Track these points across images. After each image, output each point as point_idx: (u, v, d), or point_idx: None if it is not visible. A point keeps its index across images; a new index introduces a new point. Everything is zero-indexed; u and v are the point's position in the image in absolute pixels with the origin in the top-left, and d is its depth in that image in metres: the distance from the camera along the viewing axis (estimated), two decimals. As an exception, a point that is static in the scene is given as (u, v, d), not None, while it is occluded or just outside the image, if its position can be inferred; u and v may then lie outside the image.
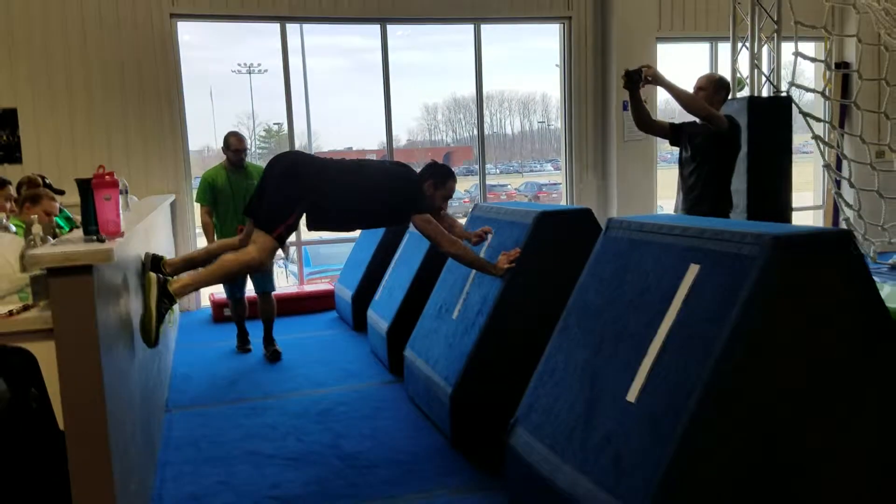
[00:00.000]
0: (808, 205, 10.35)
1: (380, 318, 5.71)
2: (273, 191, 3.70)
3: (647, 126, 4.70)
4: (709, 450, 2.33)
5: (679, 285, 2.69)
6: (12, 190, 3.57)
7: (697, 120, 4.52)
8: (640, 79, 4.42)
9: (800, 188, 8.37)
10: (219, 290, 7.96)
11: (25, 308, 2.38)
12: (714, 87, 4.59)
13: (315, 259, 13.14)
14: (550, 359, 3.27)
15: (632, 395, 2.63)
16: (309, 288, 8.66)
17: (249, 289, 6.09)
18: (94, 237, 2.59)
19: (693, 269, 2.66)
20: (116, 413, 2.50)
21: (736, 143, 4.56)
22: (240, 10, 7.94)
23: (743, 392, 2.35)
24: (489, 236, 4.39)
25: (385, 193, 3.87)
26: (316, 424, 4.36)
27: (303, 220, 3.83)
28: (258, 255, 3.61)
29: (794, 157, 6.62)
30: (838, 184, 7.84)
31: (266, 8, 7.98)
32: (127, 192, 4.27)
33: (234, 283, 5.84)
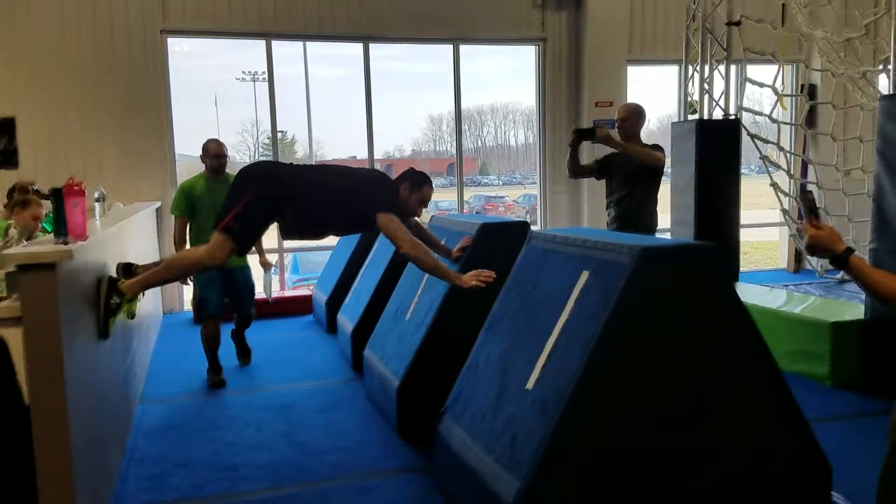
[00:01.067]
0: (774, 221, 10.71)
1: (347, 320, 6.09)
2: (230, 191, 3.85)
3: (578, 174, 5.33)
4: (582, 426, 2.71)
5: (573, 289, 3.07)
6: (1, 195, 3.96)
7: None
8: (592, 136, 4.90)
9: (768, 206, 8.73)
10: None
11: (0, 300, 2.76)
12: (635, 116, 5.09)
13: (305, 266, 13.52)
14: (476, 354, 3.65)
15: (530, 384, 3.01)
16: (290, 293, 9.04)
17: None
18: (62, 239, 2.97)
19: (584, 275, 3.05)
20: (76, 391, 2.86)
21: (663, 167, 5.05)
22: (227, 27, 8.37)
23: (611, 379, 2.73)
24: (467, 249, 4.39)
25: (352, 196, 3.89)
26: (276, 416, 4.73)
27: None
28: (207, 248, 3.69)
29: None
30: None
31: (252, 25, 8.41)
32: (104, 200, 4.65)
33: (214, 300, 5.43)
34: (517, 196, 34.61)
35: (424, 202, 4.09)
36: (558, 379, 2.83)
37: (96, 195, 4.54)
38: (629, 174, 5.02)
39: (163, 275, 3.71)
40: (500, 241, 4.43)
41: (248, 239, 3.84)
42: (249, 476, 3.81)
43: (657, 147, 5.05)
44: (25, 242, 3.07)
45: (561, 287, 3.18)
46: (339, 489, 3.62)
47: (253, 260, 5.73)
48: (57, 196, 3.07)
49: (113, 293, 3.38)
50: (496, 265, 4.22)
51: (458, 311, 4.31)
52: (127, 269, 3.73)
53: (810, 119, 9.30)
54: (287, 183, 3.82)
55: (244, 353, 6.10)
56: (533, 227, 4.41)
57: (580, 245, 3.22)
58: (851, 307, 5.49)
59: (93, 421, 3.23)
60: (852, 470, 3.36)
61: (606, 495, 2.74)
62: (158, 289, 8.01)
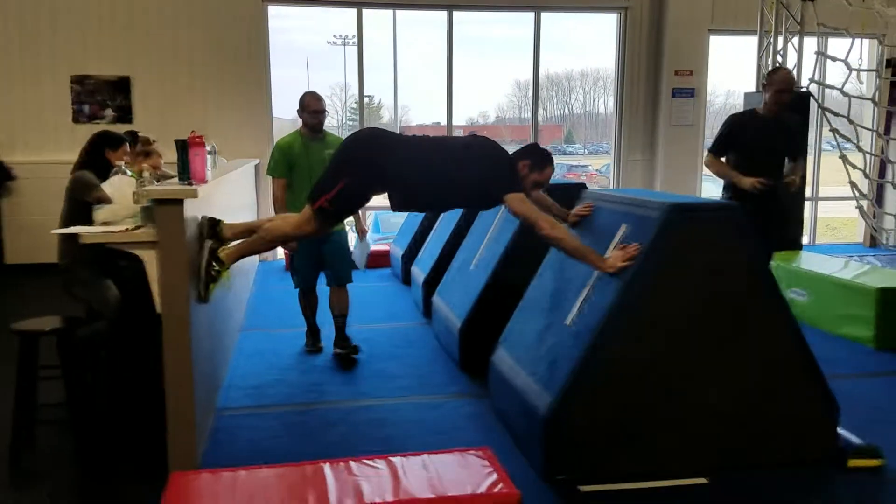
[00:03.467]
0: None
1: (420, 271, 6.70)
2: (333, 162, 3.68)
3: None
4: (608, 353, 3.19)
5: (613, 239, 3.53)
6: (127, 147, 4.63)
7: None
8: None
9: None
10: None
11: (137, 227, 3.42)
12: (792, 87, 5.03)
13: (385, 226, 14.23)
14: (527, 296, 4.16)
15: (569, 320, 3.50)
16: (372, 248, 9.68)
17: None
18: (186, 181, 3.60)
19: (623, 228, 3.50)
20: (195, 308, 3.51)
21: None
22: (323, -4, 8.99)
23: (636, 316, 3.20)
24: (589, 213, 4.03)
25: (471, 170, 3.55)
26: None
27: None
28: (298, 222, 3.62)
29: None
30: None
31: (346, -5, 8.99)
32: (216, 153, 5.30)
33: (305, 274, 5.21)
34: (601, 165, 34.42)
35: (542, 184, 3.73)
36: (592, 315, 3.32)
37: (208, 148, 5.19)
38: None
39: (257, 245, 3.70)
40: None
41: (342, 216, 3.79)
42: (334, 391, 4.46)
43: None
44: (156, 183, 3.72)
45: (603, 237, 3.64)
46: (409, 405, 4.21)
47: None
48: (182, 146, 3.70)
49: (214, 261, 3.51)
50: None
51: (516, 263, 4.78)
52: (213, 225, 3.65)
53: (894, 95, 9.26)
54: (392, 166, 3.55)
55: (347, 356, 5.09)
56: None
57: (620, 202, 3.66)
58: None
59: (207, 335, 3.89)
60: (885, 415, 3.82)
61: (624, 411, 3.22)
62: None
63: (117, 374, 4.26)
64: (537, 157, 3.67)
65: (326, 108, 5.13)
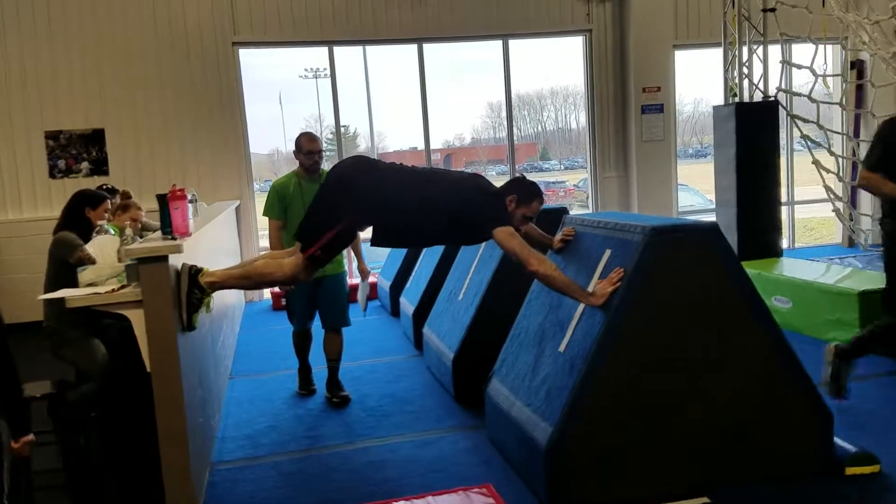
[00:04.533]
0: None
1: (408, 303, 6.69)
2: (318, 200, 3.59)
3: None
4: (603, 379, 3.21)
5: (598, 264, 3.56)
6: (108, 204, 4.62)
7: None
8: None
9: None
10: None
11: (122, 287, 3.40)
12: None
13: (370, 257, 14.24)
14: (517, 326, 4.17)
15: (562, 347, 3.52)
16: (356, 281, 9.66)
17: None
18: (170, 236, 3.60)
19: (607, 253, 3.53)
20: (186, 362, 3.50)
21: None
22: (292, 37, 9.04)
23: (627, 339, 3.23)
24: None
25: (456, 207, 3.50)
26: (349, 387, 5.32)
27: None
28: (290, 268, 3.52)
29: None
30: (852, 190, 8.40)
31: (315, 34, 9.06)
32: (196, 201, 5.31)
33: (301, 315, 5.12)
34: (578, 180, 34.62)
35: (530, 218, 3.69)
36: (584, 342, 3.34)
37: (189, 197, 5.19)
38: None
39: (243, 281, 3.62)
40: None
41: (331, 260, 3.66)
42: (328, 434, 4.43)
43: None
44: (139, 240, 3.71)
45: (588, 264, 3.67)
46: (405, 443, 4.19)
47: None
48: (162, 200, 3.71)
49: (194, 288, 3.42)
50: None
51: (503, 291, 4.81)
52: (194, 274, 3.52)
53: (860, 97, 9.44)
54: (381, 200, 3.48)
55: (341, 401, 5.01)
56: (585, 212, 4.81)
57: (603, 227, 3.70)
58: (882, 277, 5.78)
59: (197, 389, 3.87)
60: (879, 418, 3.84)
61: (622, 435, 3.24)
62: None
63: (110, 434, 4.22)
64: (523, 191, 3.62)
65: (323, 148, 5.04)
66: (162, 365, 3.30)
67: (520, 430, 3.52)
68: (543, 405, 3.41)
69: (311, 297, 5.07)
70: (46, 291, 3.95)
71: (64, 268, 3.97)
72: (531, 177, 3.61)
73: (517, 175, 3.81)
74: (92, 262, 3.75)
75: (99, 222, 4.08)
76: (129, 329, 3.31)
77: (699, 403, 3.30)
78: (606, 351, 3.21)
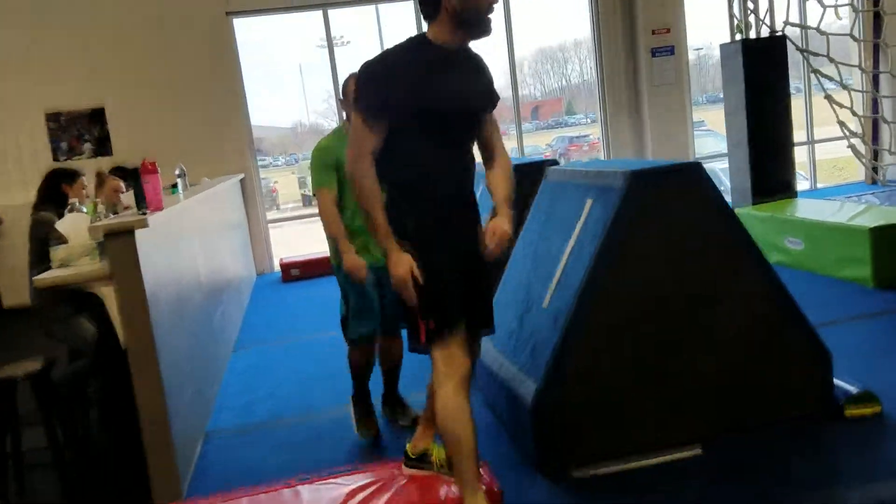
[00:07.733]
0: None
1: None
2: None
3: None
4: (589, 332, 3.09)
5: (581, 214, 3.42)
6: (85, 181, 4.57)
7: None
8: None
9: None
10: (287, 254, 9.05)
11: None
12: None
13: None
14: (503, 284, 4.06)
15: (545, 302, 3.40)
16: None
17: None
18: (143, 210, 3.53)
19: (588, 203, 3.39)
20: (165, 337, 3.44)
21: None
22: (286, 2, 8.88)
23: (610, 289, 3.10)
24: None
25: None
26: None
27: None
28: (456, 385, 2.69)
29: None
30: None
31: (309, -2, 8.90)
32: (184, 176, 5.24)
33: (370, 321, 3.72)
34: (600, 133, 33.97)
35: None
36: (566, 295, 3.21)
37: (177, 171, 5.13)
38: None
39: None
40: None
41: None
42: (326, 401, 4.37)
43: None
44: (112, 216, 3.65)
45: (570, 215, 3.53)
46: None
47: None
48: (134, 175, 3.63)
49: (422, 463, 3.04)
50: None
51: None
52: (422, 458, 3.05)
53: (878, 25, 9.02)
54: None
55: (397, 404, 4.00)
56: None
57: (584, 175, 3.55)
58: (896, 212, 5.58)
59: (184, 362, 3.83)
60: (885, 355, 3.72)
61: (611, 388, 3.13)
62: (250, 252, 8.77)
63: (107, 408, 4.22)
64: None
65: None
66: (136, 339, 3.25)
67: (508, 390, 3.43)
68: (529, 361, 3.31)
69: (378, 298, 3.72)
70: (30, 272, 3.94)
71: (44, 248, 3.93)
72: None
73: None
74: (64, 241, 3.70)
75: (72, 200, 4.03)
76: (100, 304, 3.27)
77: (692, 351, 3.18)
78: (590, 303, 3.09)
